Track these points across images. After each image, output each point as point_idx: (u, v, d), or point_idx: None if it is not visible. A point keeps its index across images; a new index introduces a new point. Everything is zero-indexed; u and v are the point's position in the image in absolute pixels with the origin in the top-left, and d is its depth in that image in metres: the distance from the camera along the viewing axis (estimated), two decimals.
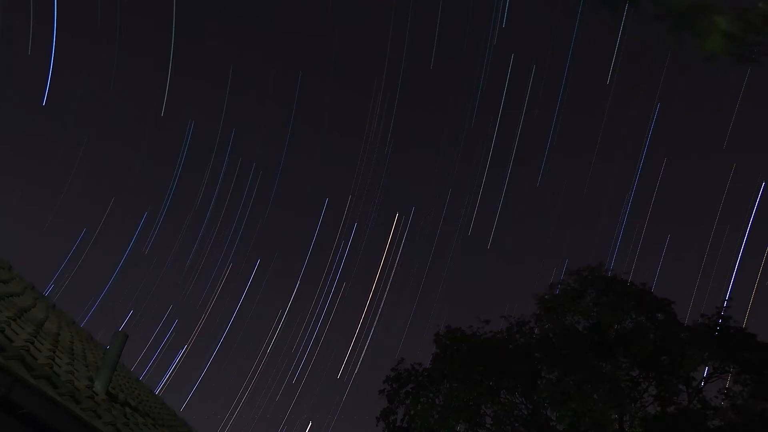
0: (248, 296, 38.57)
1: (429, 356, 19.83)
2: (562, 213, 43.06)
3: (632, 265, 42.15)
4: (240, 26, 38.77)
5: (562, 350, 17.69)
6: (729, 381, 17.54)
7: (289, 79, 41.93)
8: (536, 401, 18.12)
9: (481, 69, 30.59)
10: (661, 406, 17.38)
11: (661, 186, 33.76)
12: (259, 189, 34.95)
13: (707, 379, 17.74)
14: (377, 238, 36.64)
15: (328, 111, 36.29)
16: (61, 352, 4.63)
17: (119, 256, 40.82)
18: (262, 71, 41.00)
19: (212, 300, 36.90)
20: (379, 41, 44.29)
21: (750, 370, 16.87)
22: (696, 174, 41.90)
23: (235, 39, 42.24)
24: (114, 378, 5.31)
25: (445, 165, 42.34)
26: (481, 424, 18.42)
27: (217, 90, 39.69)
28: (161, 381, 31.23)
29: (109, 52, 36.53)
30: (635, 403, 17.51)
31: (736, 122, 30.49)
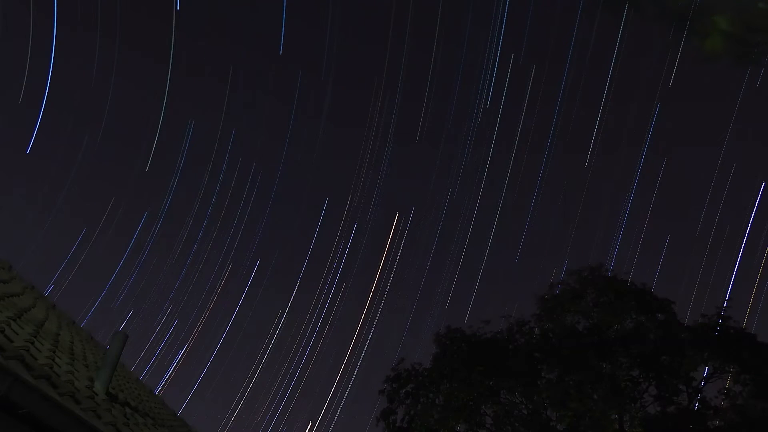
0: (248, 296, 38.43)
1: (429, 356, 19.86)
2: (562, 213, 43.07)
3: (632, 265, 42.11)
4: (240, 25, 38.76)
5: (562, 350, 17.69)
6: (729, 381, 17.56)
7: (289, 79, 41.89)
8: (536, 401, 18.11)
9: (481, 70, 30.53)
10: (661, 406, 17.38)
11: (661, 186, 33.72)
12: (259, 188, 34.95)
13: (707, 379, 17.75)
14: (377, 238, 36.57)
15: (328, 110, 36.24)
16: (61, 352, 4.63)
17: (119, 256, 40.75)
18: (262, 70, 40.99)
19: (212, 300, 36.85)
20: (379, 41, 44.24)
21: (750, 370, 16.87)
22: (696, 174, 41.88)
23: (236, 38, 42.24)
24: (114, 378, 5.31)
25: (446, 165, 42.35)
26: (481, 424, 18.41)
27: (217, 89, 39.60)
28: (161, 381, 31.23)
29: (109, 51, 36.55)
30: (635, 403, 17.50)
31: (737, 122, 30.40)
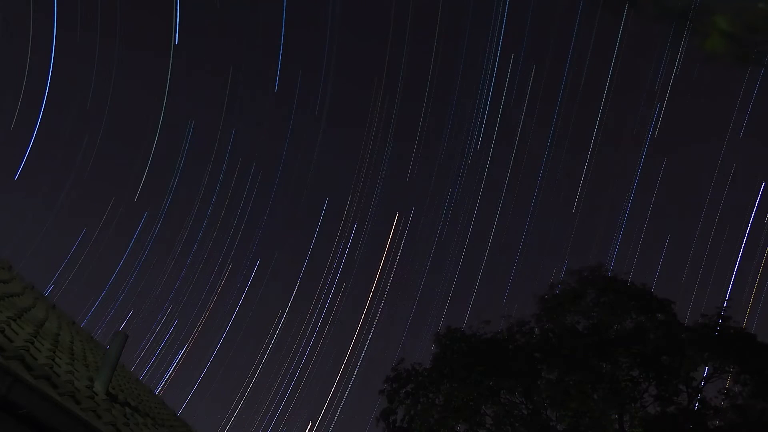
0: (248, 296, 38.41)
1: (429, 356, 19.87)
2: (562, 213, 43.09)
3: (632, 265, 42.14)
4: (240, 25, 38.75)
5: (562, 350, 17.68)
6: (729, 381, 17.56)
7: (290, 79, 41.86)
8: (536, 401, 18.11)
9: (481, 70, 30.53)
10: (661, 406, 17.38)
11: (661, 186, 33.74)
12: (259, 188, 34.94)
13: (707, 379, 17.75)
14: (377, 238, 36.59)
15: (329, 110, 36.21)
16: (61, 352, 4.63)
17: (119, 256, 40.73)
18: (262, 70, 40.97)
19: (212, 300, 36.84)
20: (379, 41, 44.21)
21: (750, 370, 16.87)
22: (696, 174, 41.90)
23: (236, 38, 42.22)
24: (114, 378, 5.31)
25: (446, 165, 42.29)
26: (481, 424, 18.42)
27: (217, 89, 39.58)
28: (161, 381, 31.26)
29: (109, 50, 36.56)
30: (635, 403, 17.50)
31: (737, 122, 30.39)
